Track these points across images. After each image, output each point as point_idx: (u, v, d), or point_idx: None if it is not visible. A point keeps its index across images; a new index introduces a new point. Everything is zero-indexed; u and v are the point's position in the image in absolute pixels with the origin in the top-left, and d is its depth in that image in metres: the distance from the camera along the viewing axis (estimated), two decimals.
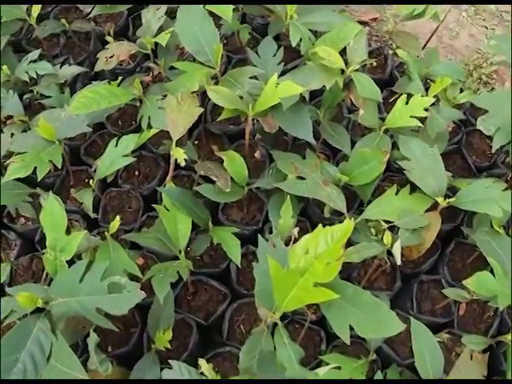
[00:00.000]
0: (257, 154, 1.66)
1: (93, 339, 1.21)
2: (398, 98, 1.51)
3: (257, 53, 1.56)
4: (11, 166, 1.35)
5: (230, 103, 1.34)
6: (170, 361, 1.10)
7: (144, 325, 1.47)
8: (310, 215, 1.64)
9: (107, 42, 1.87)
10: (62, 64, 1.71)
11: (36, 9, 1.60)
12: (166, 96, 1.50)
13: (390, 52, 1.99)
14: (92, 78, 1.84)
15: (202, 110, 1.35)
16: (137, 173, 1.71)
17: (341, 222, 1.56)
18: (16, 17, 1.60)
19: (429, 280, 1.58)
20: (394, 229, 1.38)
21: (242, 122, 1.74)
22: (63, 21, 1.81)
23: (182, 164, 1.31)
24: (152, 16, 1.63)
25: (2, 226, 1.67)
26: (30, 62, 1.61)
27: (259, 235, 1.16)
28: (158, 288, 1.23)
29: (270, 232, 1.58)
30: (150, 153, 1.73)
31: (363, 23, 2.26)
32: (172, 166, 1.36)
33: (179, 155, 1.30)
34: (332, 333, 1.46)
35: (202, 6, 1.49)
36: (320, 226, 1.03)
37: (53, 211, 1.21)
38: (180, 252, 1.35)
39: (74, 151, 1.75)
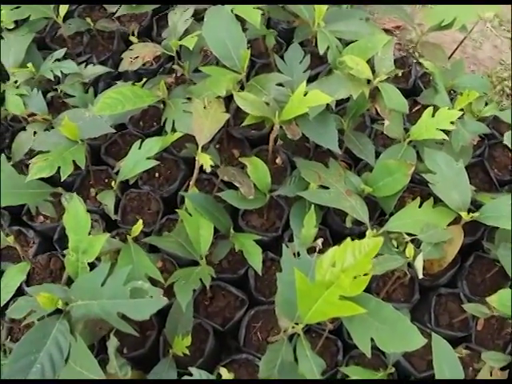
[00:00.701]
0: (278, 160, 1.65)
1: (113, 343, 1.21)
2: (421, 108, 1.50)
3: (283, 59, 1.54)
4: (35, 165, 1.34)
5: (257, 110, 1.34)
6: (190, 368, 1.10)
7: (160, 328, 1.47)
8: (330, 223, 1.64)
9: (131, 42, 1.86)
10: (86, 63, 1.70)
11: (63, 8, 1.60)
12: (190, 99, 1.50)
13: (414, 61, 1.98)
14: (115, 78, 1.84)
15: (228, 115, 1.35)
16: (157, 175, 1.71)
17: (361, 231, 1.58)
18: (43, 15, 1.59)
19: (447, 293, 1.57)
20: (414, 241, 1.37)
21: (264, 127, 1.73)
22: (88, 20, 1.81)
23: (208, 170, 1.31)
24: (178, 18, 1.62)
25: (20, 224, 1.67)
26: (55, 60, 1.61)
27: (284, 245, 1.15)
28: (180, 295, 1.22)
29: (290, 239, 1.58)
30: (171, 155, 1.73)
31: (386, 31, 2.24)
32: (196, 171, 1.35)
33: (205, 161, 1.29)
34: (349, 343, 1.47)
35: (229, 9, 1.49)
36: (348, 239, 1.02)
37: (77, 213, 1.21)
38: (201, 258, 1.34)
39: (94, 150, 1.75)
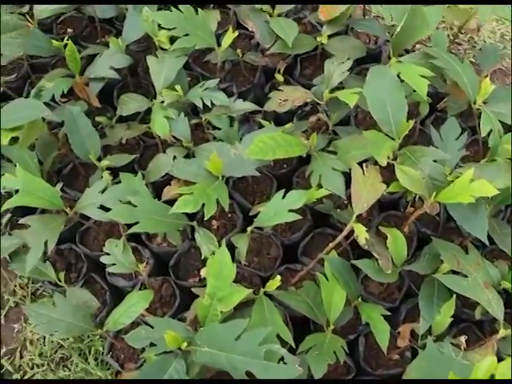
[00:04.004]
0: (406, 229, 1.60)
1: None
2: None
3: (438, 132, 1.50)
4: (181, 198, 1.33)
5: (415, 187, 1.30)
6: None
7: None
8: None
9: (271, 76, 1.86)
10: (228, 93, 1.69)
11: (228, 40, 1.59)
12: (335, 153, 1.47)
13: None
14: (252, 112, 1.82)
15: (384, 186, 1.31)
16: None
17: (480, 320, 1.52)
18: (208, 45, 1.59)
19: None
20: None
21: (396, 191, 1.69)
22: (238, 51, 1.80)
23: (362, 243, 1.27)
24: (335, 68, 1.59)
25: (137, 241, 1.66)
26: (205, 88, 1.60)
27: (429, 341, 1.11)
28: (315, 367, 1.19)
29: (408, 314, 1.54)
30: None
31: None
32: (341, 237, 1.32)
33: (360, 233, 1.25)
34: None
35: (395, 72, 1.45)
36: (509, 358, 0.97)
37: (222, 260, 1.19)
38: (328, 324, 1.31)
39: None
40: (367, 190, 1.28)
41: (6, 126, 1.42)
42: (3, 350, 1.84)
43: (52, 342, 1.82)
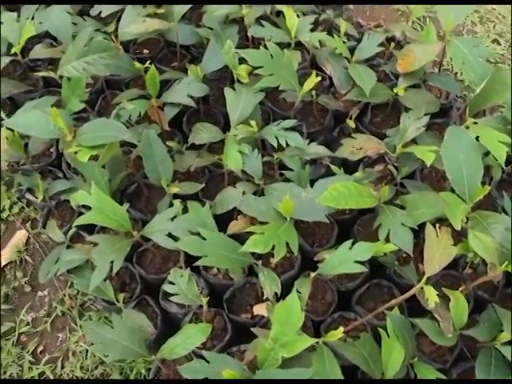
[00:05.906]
0: (461, 289, 1.59)
1: None
2: None
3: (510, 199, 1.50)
4: (251, 237, 1.34)
5: (487, 254, 1.29)
6: None
7: None
8: None
9: (340, 121, 1.87)
10: (301, 133, 1.70)
11: (310, 84, 1.61)
12: (403, 207, 1.48)
13: None
14: None
15: (456, 250, 1.30)
16: None
17: None
18: (291, 88, 1.60)
19: None
20: None
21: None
22: (313, 92, 1.81)
23: (430, 307, 1.27)
24: (411, 123, 1.60)
25: (192, 269, 1.66)
26: (280, 128, 1.61)
27: None
28: None
29: (458, 378, 1.52)
30: None
31: None
32: (406, 296, 1.31)
33: (431, 296, 1.25)
34: None
35: (474, 135, 1.46)
36: None
37: (291, 308, 1.20)
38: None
39: None
40: (440, 252, 1.28)
41: (86, 143, 1.45)
42: (45, 358, 1.86)
43: (94, 356, 1.84)
